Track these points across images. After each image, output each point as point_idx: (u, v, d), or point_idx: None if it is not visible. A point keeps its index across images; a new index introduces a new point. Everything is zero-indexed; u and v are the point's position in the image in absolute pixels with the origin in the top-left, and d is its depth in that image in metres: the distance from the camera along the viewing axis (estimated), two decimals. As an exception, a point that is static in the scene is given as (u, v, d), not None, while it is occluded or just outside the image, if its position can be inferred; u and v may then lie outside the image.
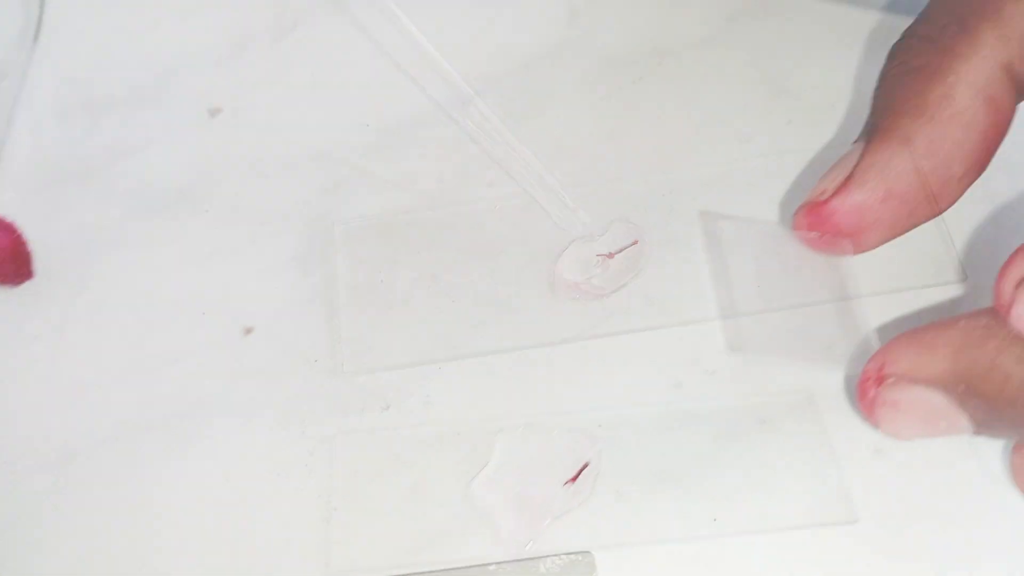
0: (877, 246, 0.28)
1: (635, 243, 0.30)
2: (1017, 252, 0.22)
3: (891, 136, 0.26)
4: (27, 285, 0.35)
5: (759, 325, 0.29)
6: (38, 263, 0.35)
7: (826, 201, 0.27)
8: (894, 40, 0.28)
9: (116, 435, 0.31)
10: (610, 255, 0.30)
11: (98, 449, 0.31)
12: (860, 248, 0.28)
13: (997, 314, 0.22)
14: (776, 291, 0.29)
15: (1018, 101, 0.27)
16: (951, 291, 0.30)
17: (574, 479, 0.29)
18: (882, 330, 0.29)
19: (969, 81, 0.25)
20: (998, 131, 0.26)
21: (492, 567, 0.25)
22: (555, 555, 0.25)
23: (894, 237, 0.27)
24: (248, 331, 0.33)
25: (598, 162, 0.33)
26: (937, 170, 0.26)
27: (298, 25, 0.38)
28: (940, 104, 0.25)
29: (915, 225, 0.27)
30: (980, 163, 0.26)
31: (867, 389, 0.25)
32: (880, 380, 0.24)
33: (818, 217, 0.27)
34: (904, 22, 0.28)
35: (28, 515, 0.29)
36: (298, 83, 0.38)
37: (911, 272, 0.30)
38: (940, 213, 0.27)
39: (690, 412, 0.28)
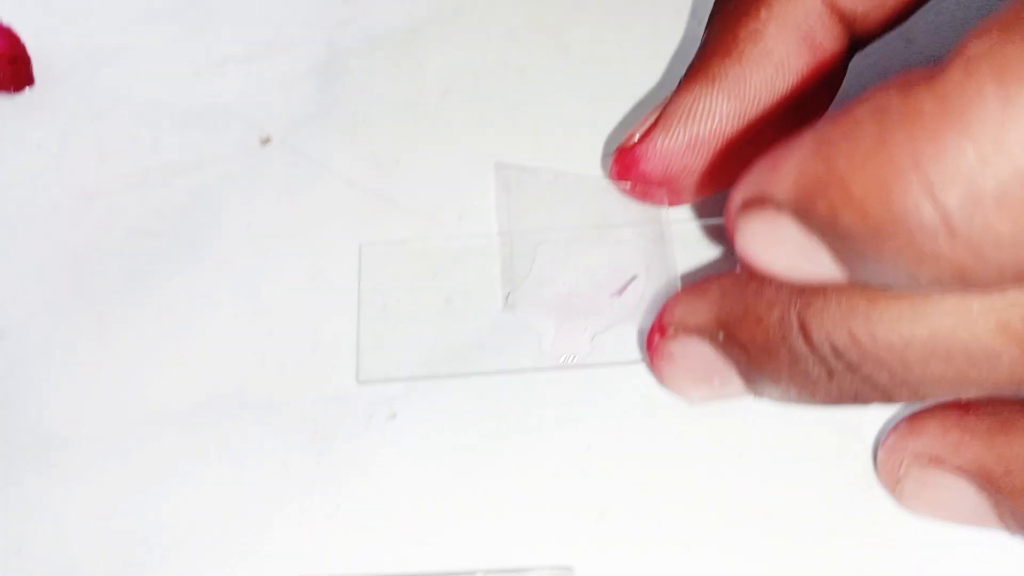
0: (702, 196, 0.26)
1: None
2: (747, 172, 0.18)
3: (699, 76, 0.23)
4: (27, 92, 0.33)
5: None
6: (39, 70, 0.33)
7: (632, 147, 0.25)
8: None
9: (125, 243, 0.29)
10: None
11: (107, 257, 0.28)
12: (681, 198, 0.26)
13: None
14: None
15: (853, 44, 0.24)
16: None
17: (621, 291, 0.26)
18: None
19: (782, 17, 0.22)
20: (819, 74, 0.23)
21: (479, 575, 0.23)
22: (537, 569, 0.23)
23: (720, 187, 0.25)
24: (265, 141, 0.31)
25: None
26: (749, 114, 0.23)
27: None
28: (749, 40, 0.23)
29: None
30: (803, 109, 0.24)
31: (651, 339, 0.23)
32: (663, 330, 0.22)
33: (625, 164, 0.25)
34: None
35: (34, 318, 0.27)
36: None
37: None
38: None
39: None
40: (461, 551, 0.23)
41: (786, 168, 0.17)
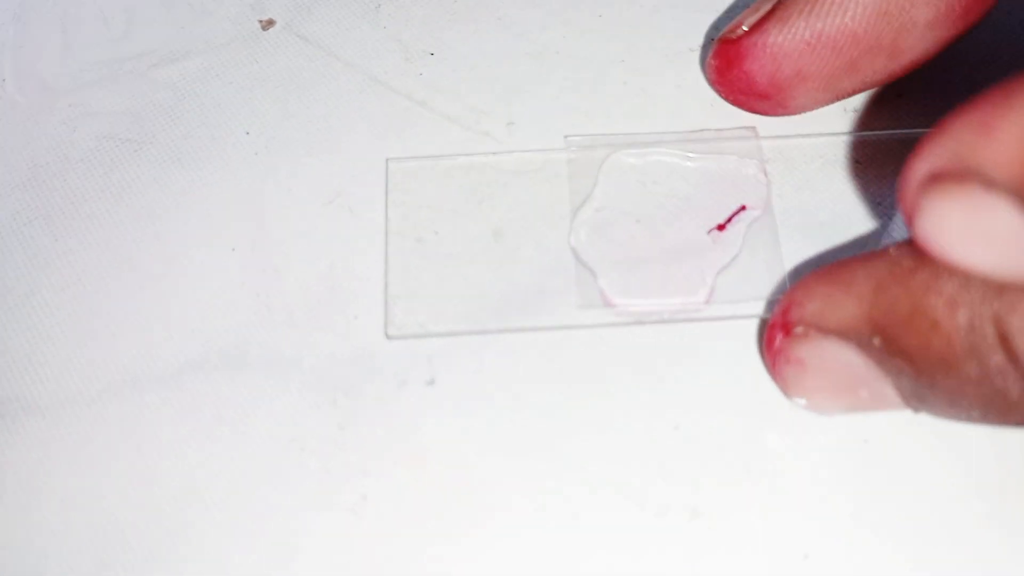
0: (808, 109, 0.21)
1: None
2: (923, 142, 0.14)
3: None
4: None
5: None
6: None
7: (738, 39, 0.20)
8: None
9: (94, 152, 0.23)
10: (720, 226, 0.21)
11: (73, 170, 0.23)
12: (782, 110, 0.21)
13: None
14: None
15: None
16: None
17: (723, 226, 0.21)
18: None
19: None
20: None
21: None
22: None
23: (833, 99, 0.21)
24: (267, 24, 0.25)
25: None
26: (892, 9, 0.19)
27: None
28: None
29: (864, 87, 0.21)
30: (959, 6, 0.19)
31: (772, 338, 0.18)
32: (787, 328, 0.18)
33: (727, 59, 0.21)
34: None
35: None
36: None
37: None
38: (901, 73, 0.20)
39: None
40: (511, 557, 0.19)
41: (1005, 132, 0.13)
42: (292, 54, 0.24)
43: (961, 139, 0.14)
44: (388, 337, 0.21)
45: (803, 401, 0.19)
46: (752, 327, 0.20)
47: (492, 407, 0.20)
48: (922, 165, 0.14)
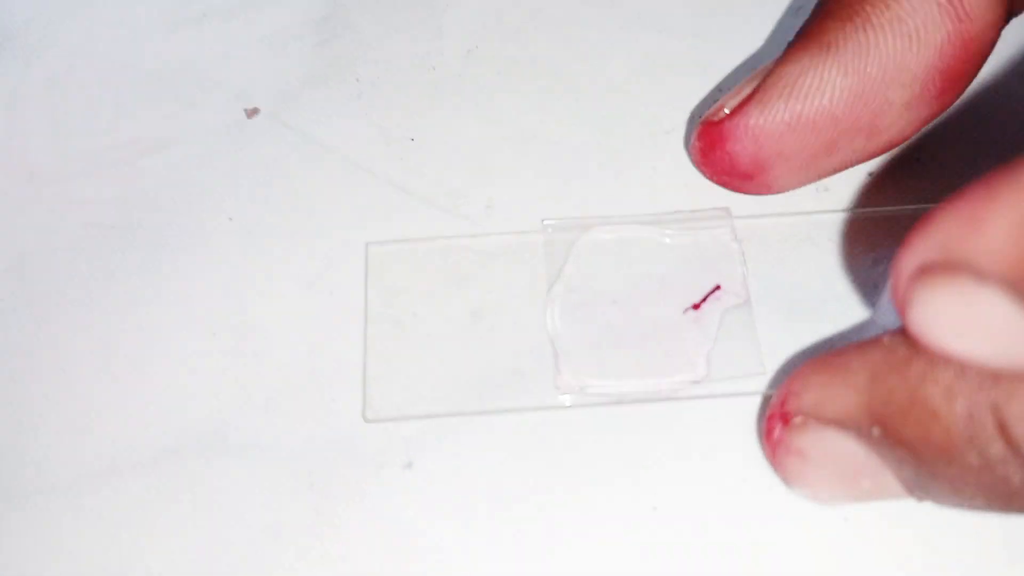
0: (790, 188, 0.22)
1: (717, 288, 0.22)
2: (913, 232, 0.15)
3: (810, 43, 0.20)
4: (-30, 49, 0.27)
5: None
6: (-16, 23, 0.28)
7: (720, 121, 0.21)
8: None
9: (81, 240, 0.24)
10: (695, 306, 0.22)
11: (58, 257, 0.23)
12: (765, 189, 0.22)
13: None
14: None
15: (1010, 10, 0.19)
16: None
17: (698, 305, 0.21)
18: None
19: None
20: (963, 48, 0.19)
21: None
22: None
23: (815, 178, 0.21)
24: (252, 113, 0.26)
25: None
26: (869, 91, 0.19)
27: None
28: (878, 3, 0.19)
29: (844, 165, 0.21)
30: (934, 88, 0.19)
31: (772, 429, 0.18)
32: (786, 419, 0.18)
33: (710, 141, 0.21)
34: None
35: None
36: None
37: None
38: (879, 152, 0.21)
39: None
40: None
41: (995, 226, 0.13)
42: (276, 141, 0.25)
43: (950, 232, 0.14)
44: (366, 420, 0.21)
45: (806, 492, 0.18)
46: (732, 406, 0.20)
47: (470, 490, 0.20)
48: (912, 258, 0.14)
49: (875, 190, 0.23)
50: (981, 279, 0.13)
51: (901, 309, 0.15)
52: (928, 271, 0.14)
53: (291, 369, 0.21)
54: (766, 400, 0.20)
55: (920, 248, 0.14)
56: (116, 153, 0.25)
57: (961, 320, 0.14)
